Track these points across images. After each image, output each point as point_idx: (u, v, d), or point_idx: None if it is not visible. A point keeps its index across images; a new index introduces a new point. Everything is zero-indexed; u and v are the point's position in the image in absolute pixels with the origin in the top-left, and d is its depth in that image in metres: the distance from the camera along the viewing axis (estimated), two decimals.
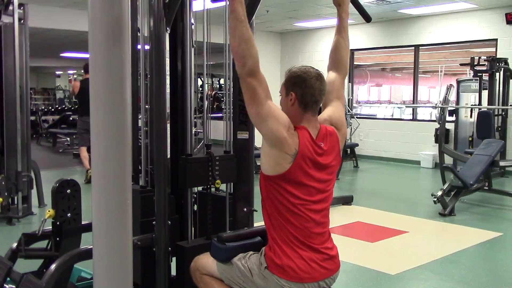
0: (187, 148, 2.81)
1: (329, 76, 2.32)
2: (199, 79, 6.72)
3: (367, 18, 2.60)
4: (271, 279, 2.04)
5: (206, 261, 2.27)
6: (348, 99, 10.44)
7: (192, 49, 2.83)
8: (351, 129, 10.03)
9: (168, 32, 2.59)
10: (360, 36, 11.11)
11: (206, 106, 3.23)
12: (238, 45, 1.96)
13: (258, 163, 8.99)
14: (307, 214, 2.04)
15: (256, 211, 2.85)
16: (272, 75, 12.38)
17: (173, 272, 2.63)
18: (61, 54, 16.76)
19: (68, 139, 12.99)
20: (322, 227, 2.11)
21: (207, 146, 2.77)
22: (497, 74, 8.53)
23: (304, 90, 2.09)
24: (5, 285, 2.60)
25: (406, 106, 12.65)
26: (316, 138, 2.09)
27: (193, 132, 2.90)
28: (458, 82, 9.45)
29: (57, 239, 2.70)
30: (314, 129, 2.11)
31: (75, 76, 23.78)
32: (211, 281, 2.24)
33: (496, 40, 9.14)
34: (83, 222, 2.79)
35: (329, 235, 2.15)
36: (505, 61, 8.54)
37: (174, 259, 2.62)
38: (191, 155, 2.73)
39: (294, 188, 2.02)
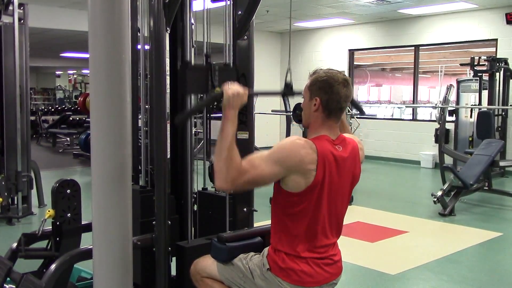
0: (187, 148, 2.81)
1: None
2: None
3: (361, 112, 2.54)
4: (273, 281, 2.03)
5: (206, 264, 2.27)
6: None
7: (192, 49, 2.83)
8: (351, 129, 10.03)
9: (168, 32, 2.59)
10: (360, 36, 11.11)
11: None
12: (217, 164, 1.88)
13: None
14: (320, 229, 2.02)
15: (256, 211, 2.85)
16: (272, 75, 12.39)
17: (173, 272, 2.63)
18: (61, 54, 16.76)
19: (68, 139, 13.00)
20: (333, 238, 2.10)
21: (206, 56, 2.73)
22: (497, 74, 8.52)
23: (330, 96, 1.99)
24: (5, 285, 2.60)
25: (406, 106, 12.65)
26: (335, 141, 2.04)
27: (193, 132, 2.90)
28: (458, 82, 9.45)
29: (57, 239, 2.70)
30: (334, 135, 2.05)
31: (75, 76, 23.81)
32: (212, 283, 2.23)
33: (496, 40, 9.14)
34: (83, 222, 2.79)
35: (336, 244, 2.14)
36: (505, 61, 8.54)
37: (174, 259, 2.62)
38: (189, 62, 2.72)
39: (312, 201, 1.98)
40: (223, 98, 1.97)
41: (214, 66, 2.66)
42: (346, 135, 2.14)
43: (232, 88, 1.98)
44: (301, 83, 2.11)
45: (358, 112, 2.59)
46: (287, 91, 2.23)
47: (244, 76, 2.82)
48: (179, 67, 2.70)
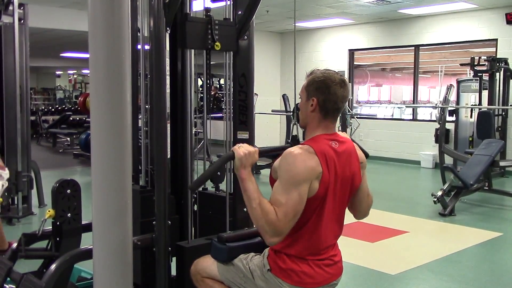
0: (187, 148, 2.81)
1: None
2: (199, 79, 6.72)
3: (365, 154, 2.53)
4: (274, 282, 2.03)
5: (206, 264, 2.27)
6: (348, 99, 10.45)
7: (192, 49, 2.83)
8: (351, 129, 10.03)
9: (168, 32, 2.59)
10: (360, 36, 11.11)
11: (205, 102, 3.23)
12: (256, 224, 1.92)
13: (258, 163, 8.89)
14: (322, 229, 2.02)
15: None
16: (272, 75, 12.40)
17: (173, 272, 2.63)
18: (61, 54, 16.76)
19: (68, 139, 13.00)
20: (334, 239, 2.10)
21: (206, 10, 2.72)
22: (497, 74, 8.52)
23: (326, 96, 2.00)
24: (5, 285, 2.60)
25: (406, 106, 12.65)
26: (330, 139, 2.04)
27: (193, 132, 2.90)
28: (458, 82, 9.45)
29: (57, 239, 2.70)
30: (330, 132, 2.06)
31: (75, 76, 23.81)
32: (213, 283, 2.23)
33: (496, 40, 9.14)
34: (83, 222, 2.79)
35: (336, 243, 2.14)
36: (505, 61, 8.53)
37: (174, 259, 2.62)
38: (189, 14, 2.71)
39: (316, 207, 1.98)
40: (234, 159, 1.99)
41: (214, 19, 2.65)
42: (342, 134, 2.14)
43: (243, 148, 2.00)
44: (300, 83, 2.11)
45: (365, 156, 2.55)
46: (294, 143, 2.24)
47: (244, 76, 2.82)
48: (178, 20, 2.64)
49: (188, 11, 2.76)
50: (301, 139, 3.13)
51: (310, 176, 1.92)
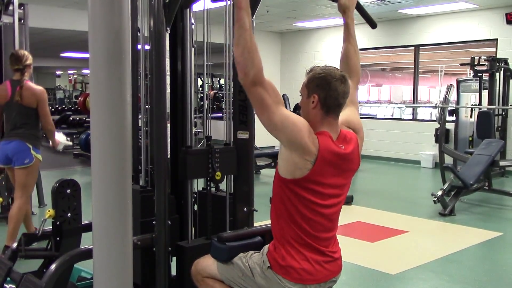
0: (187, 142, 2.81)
1: None
2: (199, 79, 6.73)
3: (372, 25, 2.57)
4: (274, 279, 2.04)
5: (206, 264, 2.27)
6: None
7: (192, 49, 2.83)
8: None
9: (168, 32, 2.59)
10: (360, 36, 10.98)
11: (206, 105, 3.23)
12: (241, 54, 1.91)
13: (258, 163, 8.93)
14: (317, 218, 2.02)
15: (257, 211, 2.85)
16: (272, 75, 12.39)
17: (173, 272, 2.63)
18: (61, 54, 16.76)
19: (68, 139, 12.96)
20: (331, 231, 2.10)
21: (207, 138, 2.76)
22: (497, 74, 8.53)
23: (327, 93, 1.99)
24: (5, 285, 2.60)
25: (406, 106, 12.65)
26: (336, 140, 2.04)
27: (193, 132, 2.90)
28: (458, 82, 9.45)
29: (57, 239, 2.70)
30: (335, 133, 2.05)
31: (75, 76, 23.79)
32: (213, 283, 2.23)
33: (496, 40, 9.14)
34: (83, 222, 2.79)
35: (335, 239, 2.15)
36: (505, 61, 8.54)
37: (174, 259, 2.62)
38: (191, 147, 2.72)
39: (309, 193, 1.99)
40: None
41: (214, 148, 2.68)
42: (344, 128, 2.13)
43: None
44: (301, 83, 2.11)
45: (371, 26, 2.57)
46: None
47: None
48: (180, 152, 2.70)
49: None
50: None
51: (295, 140, 1.93)
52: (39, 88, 4.31)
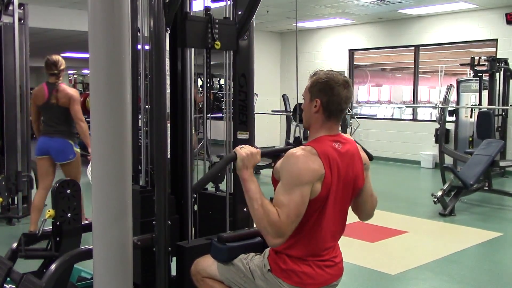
0: (187, 148, 2.81)
1: None
2: (199, 79, 6.72)
3: (369, 157, 2.53)
4: (274, 283, 2.03)
5: (206, 264, 2.27)
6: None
7: (192, 49, 2.82)
8: (351, 129, 10.04)
9: (168, 32, 2.59)
10: (360, 36, 11.10)
11: (205, 103, 3.23)
12: (258, 223, 1.91)
13: (258, 163, 8.89)
14: (323, 230, 2.02)
15: None
16: (272, 75, 12.40)
17: (173, 272, 2.63)
18: (61, 54, 16.71)
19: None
20: (334, 241, 2.10)
21: (206, 8, 2.71)
22: (497, 74, 8.52)
23: (330, 98, 1.99)
24: (5, 285, 2.60)
25: (406, 106, 12.65)
26: (333, 140, 2.03)
27: (193, 132, 2.90)
28: (458, 82, 9.46)
29: (57, 239, 2.70)
30: (333, 135, 2.06)
31: (75, 76, 23.76)
32: (213, 283, 2.23)
33: (496, 40, 9.14)
34: (83, 222, 2.79)
35: (337, 244, 2.14)
36: (505, 61, 8.54)
37: (174, 259, 2.62)
38: (189, 13, 2.70)
39: (317, 208, 1.98)
40: (236, 160, 2.00)
41: (214, 18, 2.65)
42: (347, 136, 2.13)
43: (245, 149, 2.01)
44: (301, 83, 2.11)
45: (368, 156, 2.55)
46: (297, 145, 2.24)
47: (244, 76, 2.82)
48: (178, 19, 2.64)
49: (188, 11, 2.76)
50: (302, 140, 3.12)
51: (313, 178, 1.91)
52: (72, 89, 4.82)
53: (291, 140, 9.28)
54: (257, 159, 2.03)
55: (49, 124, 4.66)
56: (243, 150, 2.01)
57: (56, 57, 4.66)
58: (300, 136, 2.20)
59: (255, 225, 1.94)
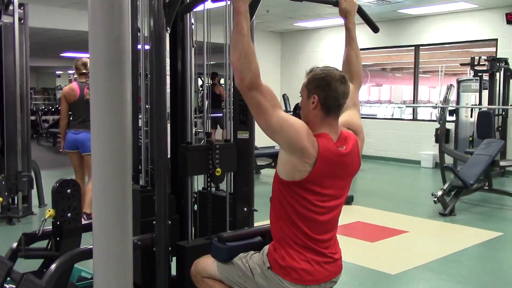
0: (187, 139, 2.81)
1: None
2: (199, 79, 6.73)
3: (375, 29, 2.57)
4: (274, 280, 2.04)
5: (206, 264, 2.27)
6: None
7: (192, 49, 2.82)
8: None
9: (168, 32, 2.59)
10: (360, 36, 10.94)
11: (206, 105, 3.23)
12: (238, 59, 1.91)
13: (258, 163, 8.90)
14: (317, 220, 2.02)
15: (257, 211, 2.85)
16: (272, 75, 12.39)
17: (173, 272, 2.63)
18: (61, 54, 16.75)
19: None
20: (330, 233, 2.10)
21: (207, 134, 2.75)
22: (497, 74, 8.53)
23: (327, 93, 1.99)
24: (5, 285, 2.60)
25: (406, 106, 12.65)
26: (337, 141, 2.03)
27: (193, 132, 2.90)
28: (459, 82, 9.45)
29: (57, 239, 2.70)
30: (335, 134, 2.04)
31: (75, 76, 23.78)
32: (213, 283, 2.23)
33: (496, 40, 9.14)
34: (83, 222, 2.79)
35: (336, 240, 2.14)
36: (505, 61, 8.54)
37: (174, 259, 2.62)
38: (190, 143, 2.72)
39: (309, 194, 1.98)
40: None
41: (214, 145, 2.67)
42: (344, 129, 2.13)
43: None
44: (301, 83, 2.11)
45: (373, 30, 2.57)
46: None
47: None
48: (180, 148, 2.70)
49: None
50: None
51: (294, 145, 1.93)
52: None
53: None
54: None
55: (78, 120, 5.18)
56: None
57: (85, 59, 5.23)
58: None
59: (231, 60, 1.95)
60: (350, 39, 2.37)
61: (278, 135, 1.94)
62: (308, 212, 2.00)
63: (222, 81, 14.69)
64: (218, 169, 2.68)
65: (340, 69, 2.24)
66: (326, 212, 2.04)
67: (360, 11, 2.47)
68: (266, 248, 2.14)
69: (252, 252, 2.20)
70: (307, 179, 1.96)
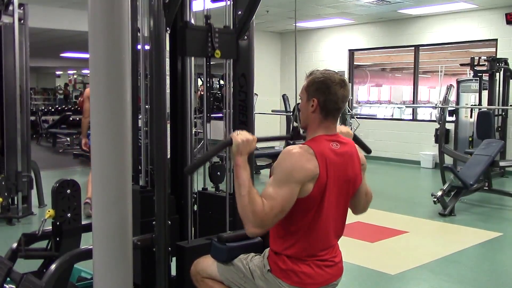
0: (187, 148, 2.81)
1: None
2: (199, 79, 6.73)
3: (367, 151, 2.54)
4: (274, 283, 2.03)
5: (206, 264, 2.27)
6: (348, 99, 10.44)
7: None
8: (351, 129, 10.03)
9: (168, 32, 2.59)
10: (360, 36, 11.10)
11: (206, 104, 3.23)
12: (241, 211, 1.91)
13: (258, 163, 8.88)
14: (321, 230, 2.01)
15: None
16: (272, 75, 12.39)
17: (173, 272, 2.63)
18: (61, 54, 16.76)
19: (68, 139, 12.98)
20: (334, 240, 2.10)
21: (206, 17, 2.71)
22: (497, 74, 8.52)
23: (327, 97, 2.00)
24: (5, 285, 2.60)
25: (406, 106, 12.65)
26: (331, 140, 2.03)
27: (193, 132, 2.90)
28: (458, 82, 9.45)
29: (57, 239, 2.70)
30: (331, 135, 2.05)
31: (75, 76, 23.79)
32: (213, 284, 2.23)
33: (496, 40, 9.14)
34: (83, 222, 2.79)
35: (337, 244, 2.14)
36: (505, 61, 8.54)
37: (174, 259, 2.62)
38: (189, 21, 2.70)
39: (312, 207, 1.97)
40: (232, 145, 1.99)
41: (214, 27, 2.65)
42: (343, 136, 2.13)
43: (241, 135, 2.01)
44: (300, 83, 2.11)
45: (366, 152, 2.57)
46: (294, 135, 2.23)
47: (244, 76, 2.82)
48: (178, 27, 2.65)
49: (188, 16, 2.76)
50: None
51: (304, 178, 1.92)
52: None
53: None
54: (253, 147, 2.04)
55: None
56: (239, 137, 2.00)
57: None
58: (298, 127, 2.18)
59: (239, 213, 1.93)
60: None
61: (300, 186, 1.91)
62: (310, 222, 1.99)
63: (221, 81, 14.69)
64: (218, 51, 2.65)
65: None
66: (329, 222, 2.03)
67: (356, 139, 2.42)
68: (266, 251, 2.14)
69: (252, 254, 2.20)
70: (309, 196, 1.94)
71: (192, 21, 2.86)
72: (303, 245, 2.00)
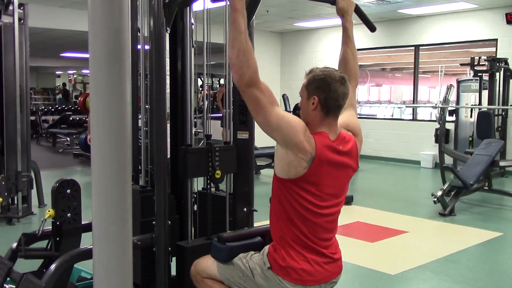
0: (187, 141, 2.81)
1: None
2: (199, 79, 6.73)
3: (371, 28, 2.57)
4: (274, 280, 2.04)
5: (206, 264, 2.27)
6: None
7: (192, 49, 2.82)
8: None
9: (168, 32, 2.59)
10: (360, 36, 11.05)
11: (206, 105, 3.23)
12: (236, 56, 1.92)
13: (258, 163, 8.92)
14: (317, 219, 2.02)
15: (256, 211, 2.85)
16: (272, 75, 12.39)
17: (173, 272, 2.63)
18: (61, 54, 16.76)
19: (68, 139, 12.99)
20: (330, 232, 2.10)
21: (207, 136, 2.75)
22: (497, 74, 8.53)
23: (327, 94, 2.00)
24: (5, 285, 2.60)
25: (406, 106, 12.66)
26: (335, 140, 2.04)
27: (193, 132, 2.90)
28: (458, 82, 9.45)
29: (57, 239, 2.70)
30: (333, 134, 2.05)
31: (75, 76, 23.79)
32: (213, 284, 2.23)
33: (496, 40, 9.14)
34: (83, 222, 2.79)
35: (335, 240, 2.14)
36: (505, 61, 8.54)
37: (174, 259, 2.62)
38: (190, 145, 2.72)
39: (307, 193, 1.99)
40: None
41: (214, 147, 2.67)
42: (344, 130, 2.13)
43: None
44: (300, 83, 2.11)
45: (370, 29, 2.60)
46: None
47: None
48: (180, 150, 2.68)
49: (189, 144, 2.78)
50: None
51: (290, 140, 1.94)
52: None
53: None
54: None
55: None
56: None
57: None
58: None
59: (229, 60, 1.97)
60: (347, 38, 2.39)
61: (275, 132, 1.95)
62: (306, 211, 2.00)
63: (222, 81, 14.69)
64: (218, 171, 2.68)
65: (337, 68, 2.25)
66: (325, 211, 2.04)
67: (358, 10, 2.48)
68: (266, 248, 2.14)
69: (252, 252, 2.20)
70: (304, 177, 1.96)
71: (192, 21, 2.87)
72: (299, 228, 2.01)
